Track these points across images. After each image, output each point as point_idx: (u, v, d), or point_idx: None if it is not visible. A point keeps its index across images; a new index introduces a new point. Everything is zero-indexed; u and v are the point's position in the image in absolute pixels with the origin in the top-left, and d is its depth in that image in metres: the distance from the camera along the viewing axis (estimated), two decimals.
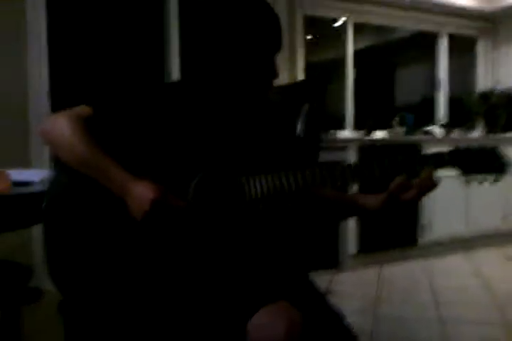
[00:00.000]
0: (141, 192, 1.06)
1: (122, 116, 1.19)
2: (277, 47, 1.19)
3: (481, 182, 1.12)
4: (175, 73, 3.61)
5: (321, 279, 3.27)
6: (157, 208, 1.06)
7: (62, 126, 1.14)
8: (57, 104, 3.09)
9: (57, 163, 1.19)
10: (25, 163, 2.87)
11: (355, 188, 3.43)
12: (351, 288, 3.24)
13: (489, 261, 3.91)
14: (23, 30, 2.98)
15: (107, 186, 1.11)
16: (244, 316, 1.01)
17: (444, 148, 1.13)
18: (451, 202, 4.11)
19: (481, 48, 5.38)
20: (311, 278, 1.27)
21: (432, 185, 1.10)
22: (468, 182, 1.12)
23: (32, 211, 1.37)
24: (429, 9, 4.81)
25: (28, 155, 2.93)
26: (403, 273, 3.58)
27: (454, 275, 3.51)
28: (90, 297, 1.16)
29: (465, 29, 5.23)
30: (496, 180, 1.12)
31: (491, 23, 5.28)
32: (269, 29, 1.16)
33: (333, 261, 3.68)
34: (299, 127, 1.52)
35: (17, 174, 1.62)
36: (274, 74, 1.19)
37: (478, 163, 1.11)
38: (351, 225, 3.66)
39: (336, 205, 1.29)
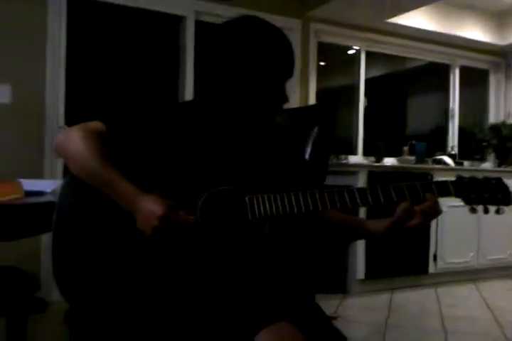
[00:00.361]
0: (150, 208, 1.07)
1: (134, 132, 1.21)
2: (289, 74, 1.21)
3: (485, 212, 1.12)
4: (189, 93, 3.67)
5: (329, 304, 3.24)
6: (166, 224, 1.07)
7: (76, 139, 1.16)
8: (73, 118, 3.14)
9: (69, 175, 1.21)
10: (38, 174, 2.90)
11: (362, 212, 3.42)
12: (359, 313, 3.20)
13: (499, 292, 3.85)
14: (43, 45, 3.07)
15: (116, 200, 1.12)
16: (247, 335, 1.00)
17: (453, 178, 1.14)
18: (463, 233, 4.09)
19: (492, 81, 5.43)
20: (317, 302, 1.26)
21: (435, 211, 1.12)
22: (472, 211, 1.12)
23: (42, 220, 1.38)
24: (442, 42, 4.88)
25: (42, 166, 2.97)
26: (412, 300, 3.54)
27: (463, 305, 3.45)
28: (97, 307, 1.16)
29: (477, 62, 5.29)
30: (498, 212, 1.12)
31: (503, 57, 5.34)
32: (283, 57, 1.18)
33: (341, 286, 3.65)
34: (308, 149, 1.53)
35: (30, 184, 1.64)
36: (285, 100, 1.22)
37: (481, 194, 1.11)
38: (360, 250, 3.64)
39: (342, 228, 1.29)
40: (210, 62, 1.19)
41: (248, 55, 1.14)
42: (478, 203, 1.11)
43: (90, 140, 1.15)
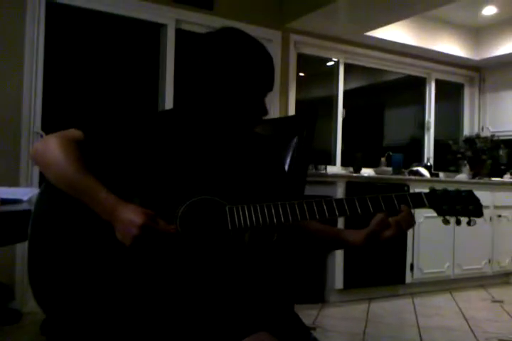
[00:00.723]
0: (130, 217, 1.06)
1: (113, 140, 1.20)
2: (269, 88, 1.22)
3: (457, 224, 1.15)
4: (169, 102, 3.66)
5: (308, 313, 3.24)
6: (146, 233, 1.06)
7: (53, 147, 1.14)
8: (50, 124, 3.10)
9: (46, 183, 1.19)
10: (14, 181, 2.85)
11: (341, 222, 3.44)
12: (337, 323, 3.20)
13: (474, 302, 3.90)
14: (21, 50, 3.03)
15: (95, 210, 1.11)
16: None
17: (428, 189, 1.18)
18: (439, 243, 4.15)
19: (467, 95, 5.56)
20: (296, 312, 1.26)
21: (409, 223, 1.15)
22: (445, 223, 1.15)
23: (18, 229, 1.36)
24: (419, 55, 4.98)
25: (18, 173, 2.92)
26: (390, 310, 3.56)
27: (439, 314, 3.48)
28: (74, 317, 1.13)
29: (452, 76, 5.41)
30: (469, 223, 1.15)
31: (478, 71, 5.48)
32: (263, 71, 1.19)
33: (319, 296, 3.65)
34: (288, 160, 1.54)
35: (6, 192, 1.61)
36: (264, 112, 1.23)
37: (453, 206, 1.14)
38: (338, 260, 3.65)
39: (320, 238, 1.30)
40: (190, 73, 1.19)
41: (229, 67, 1.15)
42: (451, 214, 1.15)
43: (68, 148, 1.14)
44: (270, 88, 1.22)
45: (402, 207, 1.13)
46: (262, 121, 1.25)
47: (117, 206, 1.08)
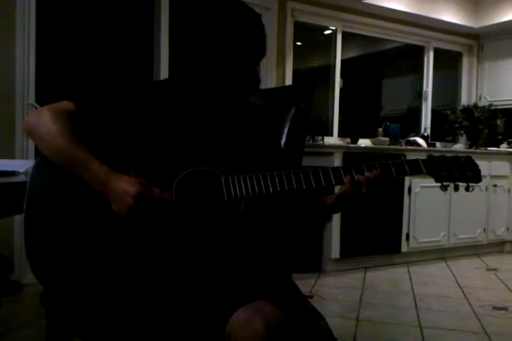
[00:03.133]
0: (124, 187, 1.06)
1: (105, 111, 1.18)
2: (261, 54, 1.20)
3: (455, 190, 1.15)
4: (164, 71, 3.60)
5: (305, 282, 3.28)
6: (141, 202, 1.06)
7: (45, 119, 1.13)
8: (44, 96, 3.06)
9: (40, 156, 1.18)
10: (9, 154, 2.83)
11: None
12: (334, 291, 3.25)
13: (468, 270, 3.96)
14: (12, 22, 2.96)
15: (88, 182, 1.10)
16: (226, 313, 1.01)
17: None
18: (435, 213, 4.18)
19: (465, 63, 5.50)
20: (293, 281, 1.28)
21: (377, 182, 1.13)
22: (442, 189, 1.15)
23: (15, 201, 1.35)
24: (417, 23, 4.90)
25: (13, 145, 2.90)
26: (385, 279, 3.61)
27: (434, 283, 3.54)
28: (72, 289, 1.14)
29: (451, 44, 5.34)
30: (468, 189, 1.15)
31: (476, 39, 5.40)
32: (254, 36, 1.17)
33: (316, 265, 3.70)
34: (285, 130, 1.53)
35: (2, 164, 1.60)
36: (257, 80, 1.21)
37: (452, 172, 1.14)
38: (335, 231, 3.68)
39: (306, 211, 1.30)
40: (182, 40, 1.18)
41: (220, 33, 1.13)
42: (449, 181, 1.14)
43: (60, 120, 1.13)
44: (262, 54, 1.20)
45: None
46: (255, 90, 1.24)
47: (110, 177, 1.08)
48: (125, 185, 1.06)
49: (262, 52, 1.20)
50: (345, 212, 3.38)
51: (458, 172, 1.13)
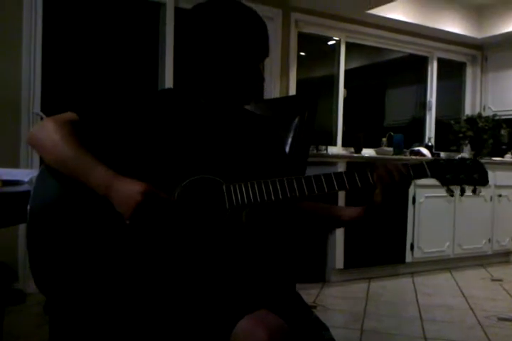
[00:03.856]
0: (132, 186, 1.06)
1: (108, 121, 1.19)
2: (264, 54, 1.21)
3: (462, 193, 1.12)
4: (169, 82, 3.63)
5: (309, 293, 3.27)
6: (149, 198, 1.06)
7: (48, 130, 1.14)
8: (49, 106, 3.08)
9: (43, 165, 1.19)
10: (14, 163, 2.85)
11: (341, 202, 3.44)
12: (338, 302, 3.24)
13: (473, 281, 3.93)
14: (19, 32, 2.99)
15: (92, 185, 1.10)
16: (229, 323, 1.00)
17: None
18: (439, 223, 4.16)
19: (469, 74, 5.51)
20: (297, 291, 1.27)
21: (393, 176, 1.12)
22: (448, 192, 1.12)
23: (20, 209, 1.36)
24: (421, 34, 4.92)
25: (17, 154, 2.91)
26: (390, 289, 3.60)
27: (439, 293, 3.52)
28: (75, 298, 1.14)
29: (455, 55, 5.35)
30: (474, 192, 1.11)
31: (480, 50, 5.42)
32: (256, 37, 1.18)
33: (320, 275, 3.68)
34: (289, 140, 1.53)
35: (7, 173, 1.61)
36: (261, 79, 1.22)
37: (458, 174, 1.11)
38: (339, 240, 3.67)
39: (317, 216, 1.29)
40: (185, 46, 1.19)
41: (224, 35, 1.15)
42: (455, 184, 1.11)
43: (63, 128, 1.14)
44: (265, 53, 1.21)
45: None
46: (260, 88, 1.24)
47: (116, 179, 1.08)
48: (132, 184, 1.07)
49: (264, 51, 1.21)
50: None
51: (464, 175, 1.10)
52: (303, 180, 1.11)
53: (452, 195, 1.13)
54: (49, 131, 1.14)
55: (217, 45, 1.15)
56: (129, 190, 1.06)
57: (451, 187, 1.12)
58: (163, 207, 1.08)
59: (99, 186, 1.09)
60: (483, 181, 1.10)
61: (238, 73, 1.17)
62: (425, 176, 1.12)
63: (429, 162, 1.12)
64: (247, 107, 1.35)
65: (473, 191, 1.11)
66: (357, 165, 3.72)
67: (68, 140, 1.12)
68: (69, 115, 1.19)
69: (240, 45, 1.15)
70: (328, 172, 1.13)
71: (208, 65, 1.16)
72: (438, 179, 1.11)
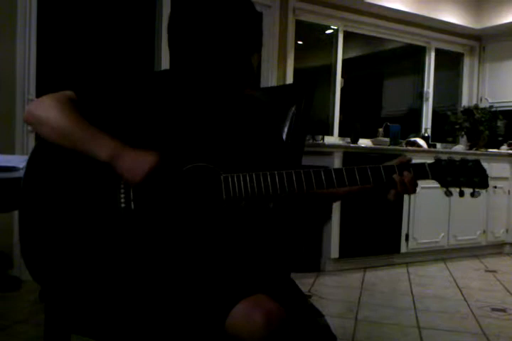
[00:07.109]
0: (143, 153, 1.06)
1: (104, 101, 1.17)
2: (256, 44, 1.19)
3: (461, 196, 1.11)
4: (165, 64, 3.58)
5: (303, 282, 3.27)
6: (162, 165, 1.06)
7: (46, 105, 1.13)
8: (44, 91, 3.04)
9: (37, 145, 1.17)
10: (9, 149, 2.82)
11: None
12: (332, 291, 3.25)
13: (467, 272, 3.96)
14: (13, 16, 2.95)
15: (94, 154, 1.08)
16: (224, 308, 1.00)
17: (428, 160, 1.13)
18: (434, 214, 4.18)
19: (467, 64, 5.49)
20: (292, 279, 1.27)
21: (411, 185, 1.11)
22: (447, 194, 1.12)
23: (15, 196, 1.34)
24: (419, 24, 4.90)
25: (13, 141, 2.89)
26: (384, 279, 3.61)
27: (433, 283, 3.54)
28: (69, 286, 1.13)
29: (452, 45, 5.34)
30: (473, 195, 1.11)
31: (478, 40, 5.40)
32: (249, 30, 1.16)
33: (315, 265, 3.70)
34: (285, 129, 1.52)
35: (2, 159, 1.59)
36: (251, 72, 1.20)
37: (458, 177, 1.10)
38: (334, 230, 3.68)
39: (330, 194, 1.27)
40: (178, 28, 1.16)
41: (217, 25, 1.12)
42: (454, 186, 1.11)
43: (61, 103, 1.12)
44: (257, 44, 1.19)
45: (404, 173, 1.11)
46: (247, 81, 1.21)
47: (125, 147, 1.08)
48: (143, 151, 1.07)
49: (257, 42, 1.19)
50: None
51: (464, 178, 1.10)
52: (302, 175, 1.10)
53: (450, 196, 1.12)
54: (46, 106, 1.12)
55: (210, 30, 1.12)
56: (141, 155, 1.06)
57: (451, 188, 1.11)
58: (170, 178, 1.07)
59: (103, 153, 1.07)
60: (484, 184, 1.10)
61: (227, 61, 1.14)
62: (426, 177, 1.11)
63: (430, 163, 1.11)
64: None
65: (472, 194, 1.11)
66: (354, 156, 3.72)
67: (70, 113, 1.11)
68: (67, 93, 1.17)
69: (231, 32, 1.12)
70: (328, 168, 1.12)
71: (200, 48, 1.13)
72: (438, 181, 1.11)
